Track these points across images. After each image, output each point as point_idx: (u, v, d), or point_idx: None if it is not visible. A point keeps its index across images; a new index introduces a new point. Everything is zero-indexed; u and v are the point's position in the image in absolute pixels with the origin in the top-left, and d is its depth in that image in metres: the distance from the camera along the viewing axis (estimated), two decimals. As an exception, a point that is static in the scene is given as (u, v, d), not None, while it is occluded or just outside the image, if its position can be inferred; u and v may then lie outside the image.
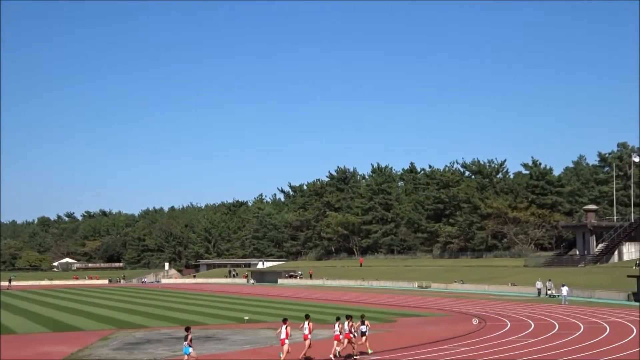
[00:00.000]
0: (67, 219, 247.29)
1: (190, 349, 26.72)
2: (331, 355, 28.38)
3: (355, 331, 29.58)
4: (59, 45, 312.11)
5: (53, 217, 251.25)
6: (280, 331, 28.21)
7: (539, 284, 68.99)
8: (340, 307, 58.21)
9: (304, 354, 28.31)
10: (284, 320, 28.65)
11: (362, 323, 30.22)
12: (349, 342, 29.19)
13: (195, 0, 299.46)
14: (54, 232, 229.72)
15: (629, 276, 63.92)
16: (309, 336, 28.71)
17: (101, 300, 75.47)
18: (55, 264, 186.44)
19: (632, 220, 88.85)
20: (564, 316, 46.22)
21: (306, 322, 29.00)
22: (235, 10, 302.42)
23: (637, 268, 74.38)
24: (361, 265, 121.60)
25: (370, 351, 29.91)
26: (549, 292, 66.63)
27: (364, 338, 30.01)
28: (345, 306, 59.72)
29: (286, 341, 27.98)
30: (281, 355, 27.78)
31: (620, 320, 42.83)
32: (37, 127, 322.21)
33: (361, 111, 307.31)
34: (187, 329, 27.15)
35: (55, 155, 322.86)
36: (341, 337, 28.91)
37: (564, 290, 59.21)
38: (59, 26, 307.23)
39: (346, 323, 29.18)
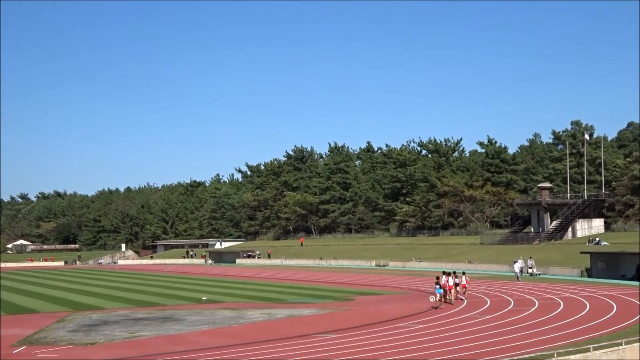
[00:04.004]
0: (20, 200, 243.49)
1: (442, 290, 38.66)
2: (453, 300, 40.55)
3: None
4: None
5: (6, 199, 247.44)
6: (448, 280, 40.18)
7: (520, 262, 63.80)
8: (299, 287, 58.41)
9: (446, 300, 39.75)
10: (446, 273, 41.19)
11: (436, 284, 40.25)
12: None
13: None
14: (7, 214, 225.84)
15: (582, 252, 65.02)
16: (453, 287, 40.66)
17: (57, 282, 74.65)
18: (9, 246, 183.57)
19: (585, 198, 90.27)
20: (519, 292, 46.90)
21: (451, 277, 40.66)
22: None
23: (590, 244, 75.73)
24: (302, 244, 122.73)
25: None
26: (530, 270, 64.11)
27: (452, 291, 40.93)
28: (304, 285, 59.91)
29: (453, 287, 40.38)
30: (451, 298, 40.15)
31: (573, 296, 43.58)
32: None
33: (318, 90, 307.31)
34: (438, 278, 39.53)
35: (8, 136, 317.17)
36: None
37: (516, 266, 59.81)
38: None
39: (450, 278, 40.59)
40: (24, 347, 27.94)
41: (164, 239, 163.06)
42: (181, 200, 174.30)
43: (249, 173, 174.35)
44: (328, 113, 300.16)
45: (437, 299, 38.87)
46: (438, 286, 39.16)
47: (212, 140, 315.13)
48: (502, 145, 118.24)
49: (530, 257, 66.50)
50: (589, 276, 59.80)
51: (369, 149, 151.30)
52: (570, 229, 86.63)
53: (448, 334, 28.63)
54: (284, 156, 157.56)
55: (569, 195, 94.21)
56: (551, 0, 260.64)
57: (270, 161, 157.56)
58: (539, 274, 63.27)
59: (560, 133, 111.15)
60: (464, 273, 45.27)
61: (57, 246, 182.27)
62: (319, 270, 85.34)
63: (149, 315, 38.64)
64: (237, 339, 29.01)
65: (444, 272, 42.14)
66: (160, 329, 32.73)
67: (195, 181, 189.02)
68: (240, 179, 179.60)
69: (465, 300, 41.90)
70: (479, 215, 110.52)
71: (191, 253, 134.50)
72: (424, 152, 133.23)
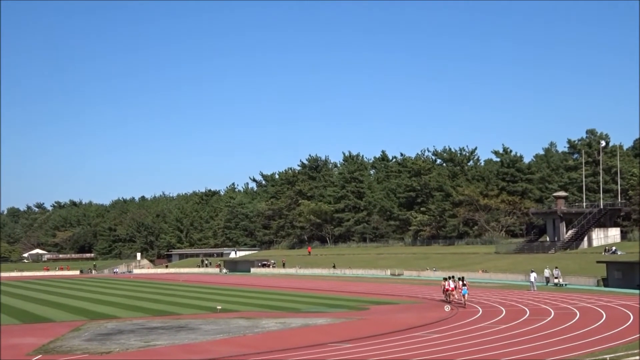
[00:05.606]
0: (36, 209, 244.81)
1: (468, 291, 45.12)
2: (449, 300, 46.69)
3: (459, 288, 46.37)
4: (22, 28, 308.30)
5: (22, 208, 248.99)
6: (449, 283, 47.39)
7: (546, 272, 64.26)
8: (313, 296, 58.33)
9: (452, 300, 46.39)
10: (449, 277, 49.26)
11: (464, 285, 45.83)
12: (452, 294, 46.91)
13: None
14: (23, 223, 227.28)
15: (598, 262, 64.65)
16: (455, 290, 46.76)
17: (72, 291, 74.91)
18: (26, 255, 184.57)
19: (601, 207, 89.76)
20: (535, 302, 46.66)
21: (451, 281, 47.73)
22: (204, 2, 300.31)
23: (606, 254, 75.26)
24: (309, 253, 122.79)
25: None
26: (556, 280, 62.54)
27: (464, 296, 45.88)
28: (318, 294, 59.84)
29: (454, 290, 46.45)
30: (449, 299, 46.39)
31: (590, 305, 43.31)
32: (4, 118, 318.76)
33: (332, 99, 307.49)
34: (463, 279, 48.15)
35: (24, 146, 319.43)
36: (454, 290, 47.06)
37: (532, 276, 59.47)
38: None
39: (450, 281, 47.72)
40: (40, 356, 28.02)
41: (178, 248, 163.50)
42: (196, 209, 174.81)
43: (263, 182, 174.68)
44: (342, 122, 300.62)
45: (464, 301, 44.63)
46: (465, 287, 45.04)
47: (227, 150, 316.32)
48: (518, 154, 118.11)
49: (556, 267, 65.59)
50: (605, 286, 59.45)
51: (383, 157, 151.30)
52: (586, 238, 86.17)
53: (463, 344, 28.51)
54: (298, 165, 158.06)
55: (584, 204, 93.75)
56: (568, 1, 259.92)
57: (285, 170, 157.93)
58: (566, 284, 62.37)
59: (576, 142, 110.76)
60: (462, 278, 49.73)
61: (73, 255, 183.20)
62: (334, 280, 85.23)
63: (164, 324, 38.69)
64: (252, 348, 29.01)
65: (449, 277, 49.49)
66: (175, 338, 32.77)
67: (210, 190, 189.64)
68: (255, 188, 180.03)
69: (481, 310, 41.76)
70: (494, 225, 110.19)
71: (206, 262, 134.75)
72: (438, 161, 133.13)
